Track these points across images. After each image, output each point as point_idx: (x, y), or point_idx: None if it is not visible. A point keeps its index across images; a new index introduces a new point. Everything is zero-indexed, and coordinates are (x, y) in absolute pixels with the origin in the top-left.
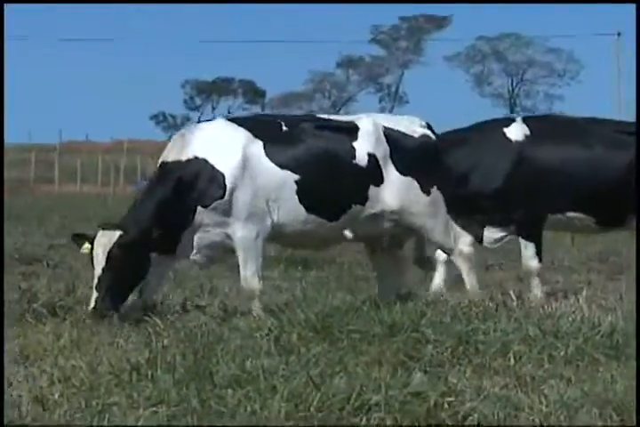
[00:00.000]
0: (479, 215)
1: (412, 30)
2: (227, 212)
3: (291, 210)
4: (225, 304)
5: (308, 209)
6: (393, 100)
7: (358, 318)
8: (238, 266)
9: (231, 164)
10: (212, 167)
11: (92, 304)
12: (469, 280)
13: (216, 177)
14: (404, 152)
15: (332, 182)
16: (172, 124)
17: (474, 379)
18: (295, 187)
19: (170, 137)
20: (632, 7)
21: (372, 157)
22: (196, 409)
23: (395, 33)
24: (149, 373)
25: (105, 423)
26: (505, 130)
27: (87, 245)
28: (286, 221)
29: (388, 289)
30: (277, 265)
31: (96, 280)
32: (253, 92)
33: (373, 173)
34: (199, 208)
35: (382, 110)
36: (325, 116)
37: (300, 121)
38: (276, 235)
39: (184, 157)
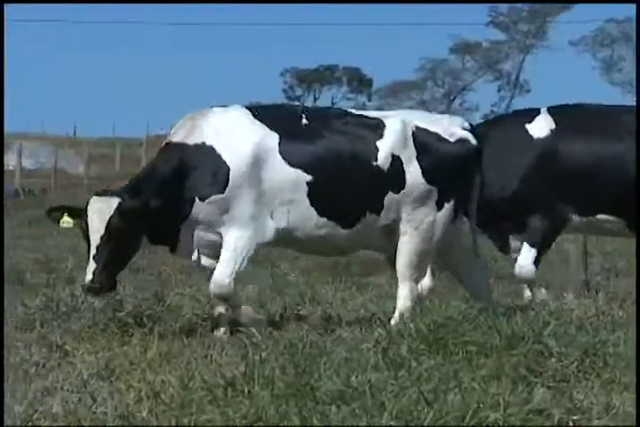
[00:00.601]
0: (503, 223)
1: (534, 12)
2: (224, 209)
3: (302, 213)
4: (328, 314)
5: (320, 213)
6: (513, 88)
7: (474, 328)
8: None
9: (240, 157)
10: (219, 157)
11: (90, 276)
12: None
13: (221, 169)
14: (434, 157)
15: (349, 185)
16: None
17: (602, 395)
18: (307, 188)
19: None
20: (632, 7)
21: (395, 159)
22: None
23: (515, 15)
24: (246, 388)
25: None
26: (527, 126)
27: (66, 219)
28: (297, 225)
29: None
30: (385, 271)
31: (94, 250)
32: (359, 81)
33: (394, 178)
34: (197, 200)
35: (501, 100)
36: (354, 111)
37: (324, 114)
38: (287, 239)
39: (191, 142)
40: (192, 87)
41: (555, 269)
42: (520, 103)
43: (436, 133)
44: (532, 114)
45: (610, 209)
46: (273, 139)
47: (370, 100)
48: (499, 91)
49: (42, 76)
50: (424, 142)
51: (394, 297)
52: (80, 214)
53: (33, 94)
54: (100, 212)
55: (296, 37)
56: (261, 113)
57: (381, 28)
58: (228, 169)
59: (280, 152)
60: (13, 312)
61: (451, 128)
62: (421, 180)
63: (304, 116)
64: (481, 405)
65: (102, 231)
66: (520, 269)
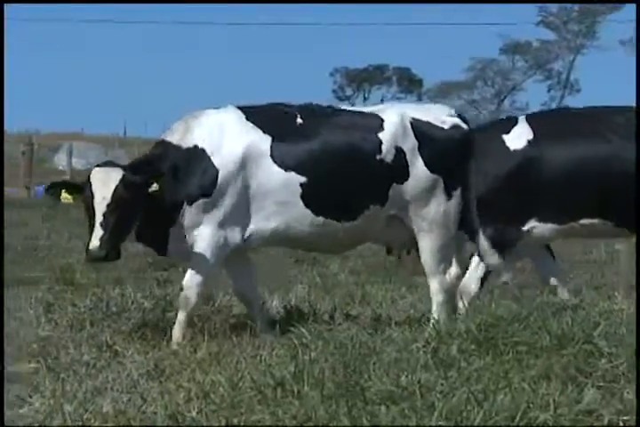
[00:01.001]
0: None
1: (584, 12)
2: (206, 210)
3: (296, 214)
4: (378, 314)
5: (316, 212)
6: (563, 88)
7: (524, 328)
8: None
9: (230, 160)
10: (209, 160)
11: (97, 243)
12: (439, 312)
13: (209, 172)
14: (433, 145)
15: (349, 181)
16: None
17: None
18: (300, 190)
19: None
20: (632, 7)
21: (399, 151)
22: None
23: (565, 15)
24: (295, 388)
25: None
26: (504, 137)
27: (65, 195)
28: (291, 225)
29: None
30: None
31: (101, 217)
32: (409, 81)
33: (399, 170)
34: (185, 204)
35: (551, 99)
36: (347, 108)
37: (319, 112)
38: (282, 238)
39: (183, 144)
40: (242, 88)
41: (605, 269)
42: (571, 102)
43: (432, 122)
44: (510, 124)
45: (593, 213)
46: (265, 141)
47: (420, 100)
48: (549, 91)
49: (93, 77)
50: (423, 132)
51: None
52: (78, 190)
53: (83, 95)
54: (107, 181)
55: (346, 37)
56: (254, 114)
57: (432, 27)
58: (217, 172)
59: (272, 154)
60: (64, 312)
61: (441, 116)
62: (426, 170)
63: (299, 115)
64: (530, 405)
65: (109, 199)
66: (462, 285)
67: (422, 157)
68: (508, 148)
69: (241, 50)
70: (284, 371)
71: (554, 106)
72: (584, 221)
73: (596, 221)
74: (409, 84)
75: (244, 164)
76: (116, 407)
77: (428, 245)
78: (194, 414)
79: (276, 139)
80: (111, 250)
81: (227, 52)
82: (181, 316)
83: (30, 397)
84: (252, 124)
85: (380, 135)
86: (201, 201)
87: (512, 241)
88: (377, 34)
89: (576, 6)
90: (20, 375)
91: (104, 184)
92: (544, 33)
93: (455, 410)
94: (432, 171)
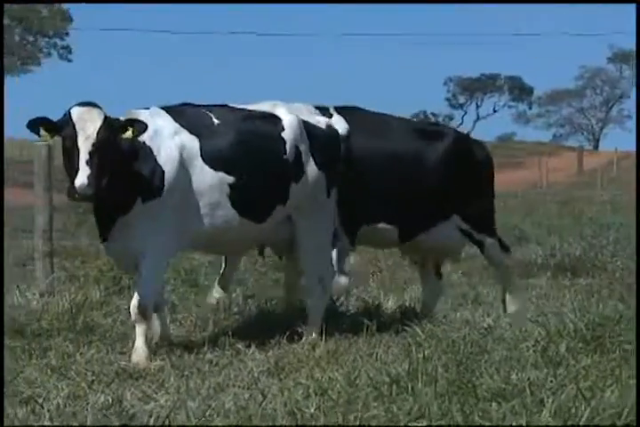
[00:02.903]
0: None
1: None
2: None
3: (225, 215)
4: (489, 314)
5: (240, 213)
6: None
7: (631, 328)
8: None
9: (171, 161)
10: (155, 160)
11: (85, 180)
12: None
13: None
14: (319, 145)
15: (263, 181)
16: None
17: None
18: (228, 190)
19: None
20: (632, 7)
21: (297, 150)
22: (458, 424)
23: None
24: (410, 385)
25: None
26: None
27: (44, 133)
28: (220, 227)
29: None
30: (544, 273)
31: (86, 156)
32: (520, 89)
33: (296, 169)
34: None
35: None
36: (240, 106)
37: (227, 112)
38: (210, 243)
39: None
40: (364, 93)
41: None
42: None
43: (313, 123)
44: (324, 113)
45: (384, 217)
46: (194, 142)
47: (530, 108)
48: None
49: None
50: (309, 132)
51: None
52: (56, 129)
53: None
54: (91, 120)
55: (459, 48)
56: (179, 116)
57: (542, 38)
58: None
59: (201, 155)
60: (188, 313)
61: (315, 116)
62: (316, 169)
63: (212, 116)
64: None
65: (94, 138)
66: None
67: (313, 157)
68: None
69: (356, 59)
70: (399, 368)
71: None
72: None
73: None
74: (520, 93)
75: (181, 165)
76: (238, 404)
77: (310, 245)
78: (312, 410)
79: (202, 140)
80: (97, 187)
81: (336, 58)
82: (141, 329)
83: (155, 393)
84: (180, 126)
85: (283, 136)
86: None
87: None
88: (489, 44)
89: None
90: (146, 372)
91: (90, 123)
92: None
93: (564, 407)
94: (320, 170)
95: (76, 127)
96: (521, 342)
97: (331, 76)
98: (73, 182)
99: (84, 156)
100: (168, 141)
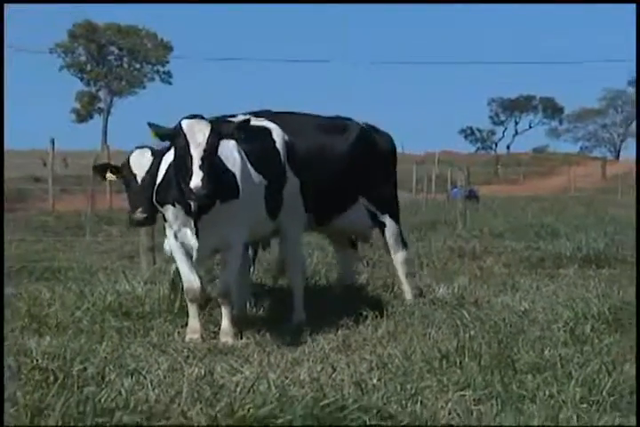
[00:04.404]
0: None
1: None
2: None
3: (260, 212)
4: (525, 299)
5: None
6: None
7: None
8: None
9: (237, 164)
10: None
11: (200, 183)
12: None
13: None
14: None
15: (278, 184)
16: (478, 138)
17: None
18: (264, 191)
19: (477, 149)
20: (632, 7)
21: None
22: (499, 393)
23: None
24: (457, 360)
25: (418, 405)
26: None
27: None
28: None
29: None
30: (573, 264)
31: (199, 161)
32: (552, 109)
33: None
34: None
35: None
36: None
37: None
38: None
39: None
40: (417, 112)
41: None
42: None
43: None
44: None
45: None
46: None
47: (561, 124)
48: None
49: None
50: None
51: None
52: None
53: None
54: (202, 129)
55: (501, 71)
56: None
57: (570, 65)
58: None
59: (249, 160)
60: (271, 297)
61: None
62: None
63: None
64: None
65: (204, 145)
66: None
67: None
68: None
69: (418, 85)
70: (449, 346)
71: None
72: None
73: None
74: (552, 111)
75: None
76: (311, 375)
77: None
78: (374, 381)
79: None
80: (211, 191)
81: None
82: (227, 311)
83: (241, 366)
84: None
85: (278, 146)
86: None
87: None
88: (527, 70)
89: None
90: (233, 348)
91: (202, 132)
92: None
93: (589, 378)
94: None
95: (187, 137)
96: (552, 324)
97: (391, 98)
98: (187, 185)
99: (196, 162)
100: (230, 147)
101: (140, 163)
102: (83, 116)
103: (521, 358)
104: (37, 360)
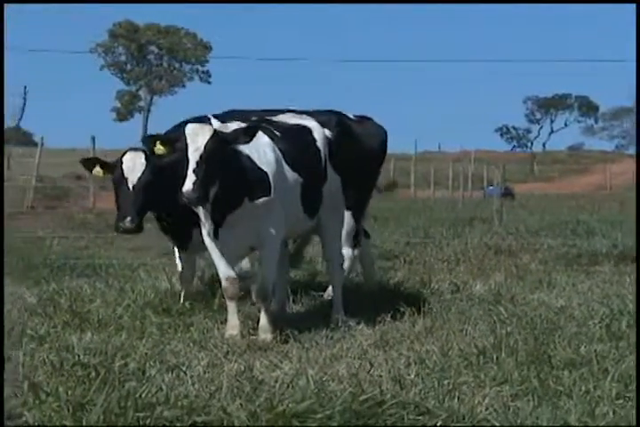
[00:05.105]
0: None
1: None
2: None
3: (297, 211)
4: (561, 296)
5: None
6: None
7: None
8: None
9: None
10: None
11: (191, 186)
12: None
13: None
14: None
15: (317, 182)
16: (514, 136)
17: None
18: (300, 189)
19: (513, 148)
20: (632, 7)
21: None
22: (536, 388)
23: None
24: (494, 356)
25: (455, 401)
26: None
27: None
28: (294, 220)
29: None
30: (608, 261)
31: (194, 165)
32: (587, 107)
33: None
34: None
35: None
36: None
37: (280, 122)
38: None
39: None
40: (455, 112)
41: None
42: None
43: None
44: (203, 119)
45: None
46: (277, 145)
47: (596, 122)
48: None
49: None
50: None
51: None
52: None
53: None
54: (201, 133)
55: (537, 70)
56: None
57: (604, 63)
58: None
59: (284, 158)
60: (306, 296)
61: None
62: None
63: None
64: None
65: (202, 150)
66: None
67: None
68: None
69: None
70: (485, 342)
71: None
72: None
73: None
74: (587, 110)
75: None
76: (349, 371)
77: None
78: (412, 376)
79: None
80: (202, 194)
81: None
82: (264, 308)
83: (280, 362)
84: None
85: (319, 145)
86: None
87: None
88: (563, 68)
89: None
90: (272, 345)
91: (200, 135)
92: None
93: (624, 374)
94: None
95: (188, 140)
96: (588, 320)
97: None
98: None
99: (191, 165)
100: (264, 146)
101: (132, 166)
102: (123, 115)
103: (557, 354)
104: (79, 356)
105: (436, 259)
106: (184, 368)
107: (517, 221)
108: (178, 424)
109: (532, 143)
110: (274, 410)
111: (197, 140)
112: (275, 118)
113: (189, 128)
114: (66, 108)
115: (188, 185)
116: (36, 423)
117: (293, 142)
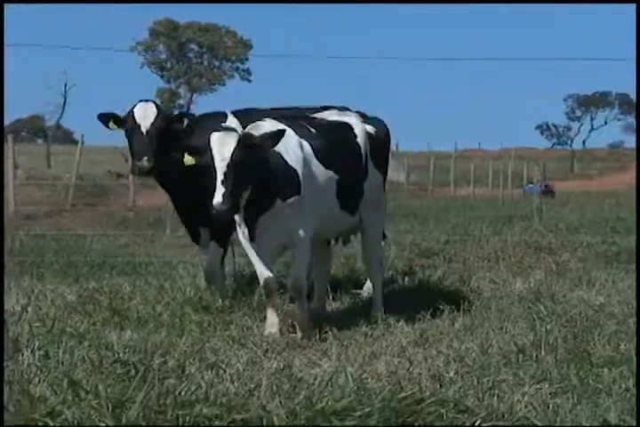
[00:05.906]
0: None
1: None
2: None
3: (333, 209)
4: (601, 293)
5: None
6: None
7: None
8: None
9: (299, 161)
10: None
11: (220, 198)
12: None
13: None
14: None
15: (355, 179)
16: (554, 134)
17: None
18: (335, 187)
19: (553, 145)
20: (632, 7)
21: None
22: (575, 386)
23: None
24: (534, 354)
25: (494, 399)
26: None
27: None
28: (330, 218)
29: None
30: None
31: (222, 176)
32: (628, 104)
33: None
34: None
35: None
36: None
37: (313, 119)
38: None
39: None
40: (494, 109)
41: None
42: None
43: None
44: (220, 115)
45: None
46: (307, 143)
47: (638, 120)
48: None
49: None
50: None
51: None
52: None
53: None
54: (227, 142)
55: (578, 68)
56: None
57: None
58: None
59: (315, 155)
60: (345, 295)
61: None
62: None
63: (306, 122)
64: None
65: (228, 160)
66: None
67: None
68: None
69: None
70: (525, 340)
71: None
72: None
73: None
74: (628, 107)
75: None
76: (389, 369)
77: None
78: (451, 374)
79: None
80: (232, 205)
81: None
82: (300, 305)
83: (319, 360)
84: None
85: (359, 141)
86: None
87: None
88: (604, 66)
89: None
90: (311, 342)
91: (226, 146)
92: None
93: None
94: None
95: (213, 150)
96: (628, 318)
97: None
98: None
99: (219, 176)
100: (292, 144)
101: (144, 114)
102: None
103: (597, 352)
104: (119, 354)
105: (476, 257)
106: (223, 366)
107: (557, 219)
108: (217, 422)
109: (572, 141)
110: (313, 408)
111: (223, 150)
112: (317, 115)
113: (214, 137)
114: (107, 106)
115: (218, 198)
116: (76, 422)
117: (329, 139)
